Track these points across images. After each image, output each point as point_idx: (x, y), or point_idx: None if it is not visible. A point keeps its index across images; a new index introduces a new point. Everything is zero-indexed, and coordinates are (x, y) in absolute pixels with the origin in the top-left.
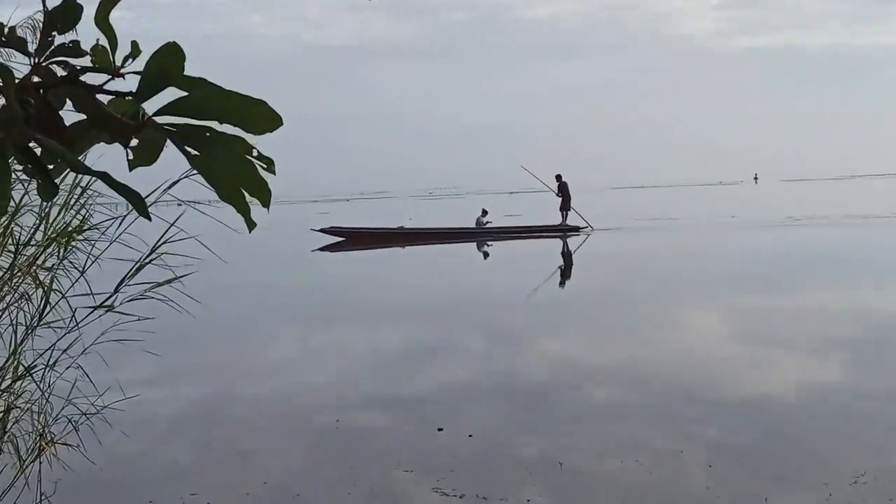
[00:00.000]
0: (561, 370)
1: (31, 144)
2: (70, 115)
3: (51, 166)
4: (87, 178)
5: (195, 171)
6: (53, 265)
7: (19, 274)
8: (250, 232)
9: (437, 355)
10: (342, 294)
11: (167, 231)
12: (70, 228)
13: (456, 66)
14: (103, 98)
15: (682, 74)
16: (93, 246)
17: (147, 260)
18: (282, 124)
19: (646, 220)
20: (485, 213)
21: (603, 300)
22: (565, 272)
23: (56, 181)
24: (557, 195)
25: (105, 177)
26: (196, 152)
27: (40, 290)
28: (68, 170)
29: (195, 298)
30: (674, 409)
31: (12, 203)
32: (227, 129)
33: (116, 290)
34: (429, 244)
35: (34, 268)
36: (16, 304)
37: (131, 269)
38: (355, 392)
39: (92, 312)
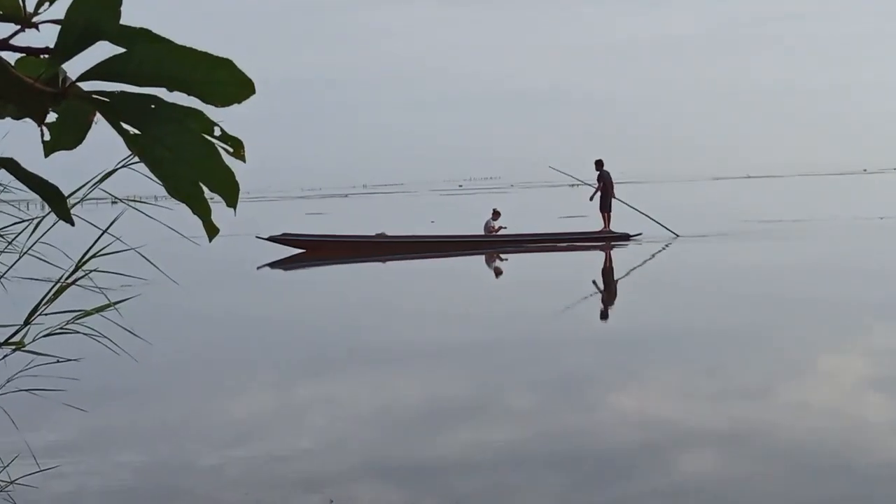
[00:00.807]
0: (637, 431)
1: None
2: None
3: None
4: None
5: (136, 158)
6: None
7: None
8: (211, 241)
9: (463, 410)
10: (323, 326)
11: (98, 240)
12: None
13: (494, 10)
14: (9, 57)
15: (803, 23)
16: None
17: (70, 279)
18: (254, 92)
19: (758, 222)
20: (496, 214)
21: (689, 336)
22: (621, 295)
23: None
24: (597, 188)
25: (11, 165)
26: (136, 131)
27: None
28: None
29: (135, 333)
30: (800, 487)
31: None
32: (180, 99)
33: (28, 322)
34: (419, 258)
35: None
36: None
37: (49, 293)
38: (355, 461)
39: None
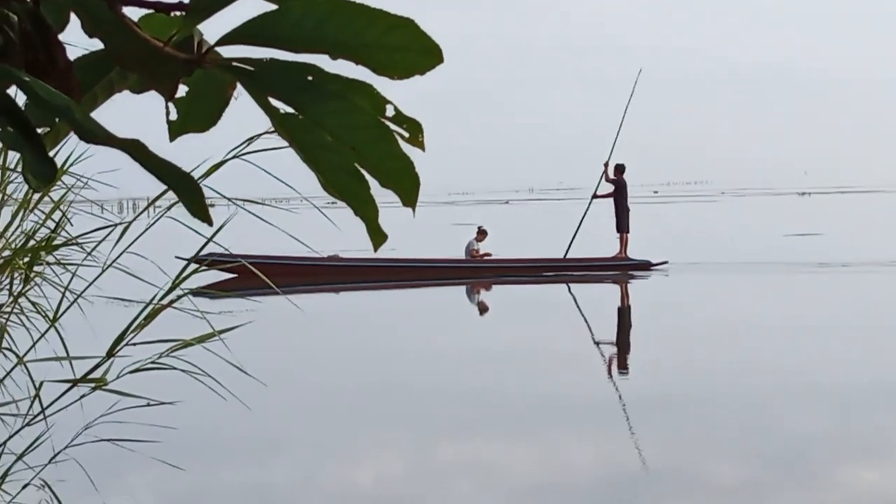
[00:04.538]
0: None
1: (10, 91)
2: (77, 42)
3: (43, 129)
4: (65, 154)
5: (251, 147)
6: (3, 306)
7: None
8: (376, 250)
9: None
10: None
11: (201, 250)
12: (34, 243)
13: None
14: (132, 13)
15: None
16: (73, 274)
17: (165, 301)
18: (441, 61)
19: None
20: (482, 235)
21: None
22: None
23: (51, 154)
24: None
25: (137, 149)
26: (289, 109)
27: None
28: (70, 135)
29: (246, 370)
30: None
31: None
32: (344, 69)
33: (111, 353)
34: (378, 288)
35: None
36: None
37: (137, 317)
38: None
39: (69, 391)
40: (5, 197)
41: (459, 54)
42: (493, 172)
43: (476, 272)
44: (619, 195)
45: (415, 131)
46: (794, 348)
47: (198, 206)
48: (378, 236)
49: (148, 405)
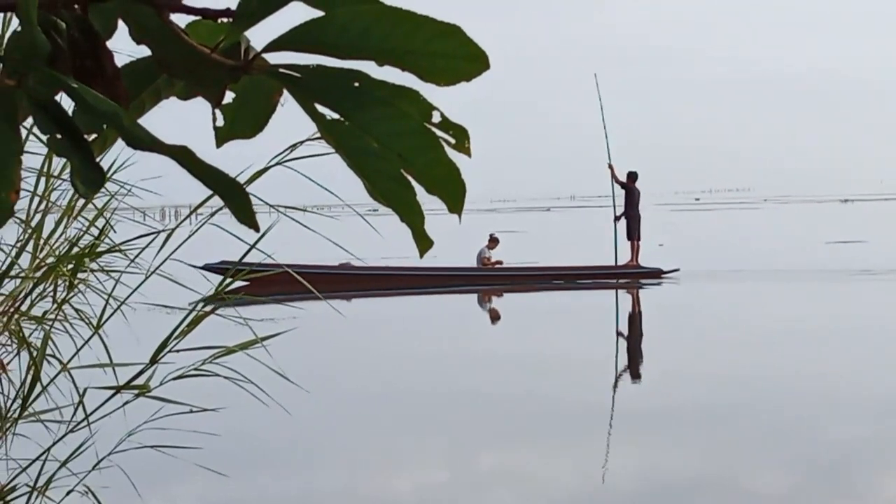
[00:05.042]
0: None
1: (58, 97)
2: (124, 49)
3: (91, 136)
4: (108, 161)
5: (296, 154)
6: (47, 313)
7: None
8: (422, 256)
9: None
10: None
11: (244, 257)
12: (78, 250)
13: None
14: (180, 20)
15: None
16: (116, 281)
17: (208, 308)
18: (487, 67)
19: None
20: (493, 242)
21: None
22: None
23: (99, 161)
24: (624, 212)
25: (184, 155)
26: (335, 115)
27: (24, 357)
28: (118, 141)
29: (288, 377)
30: None
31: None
32: (391, 75)
33: (155, 360)
34: (391, 295)
35: (14, 318)
36: None
37: (181, 324)
38: None
39: (112, 397)
40: (50, 204)
41: (507, 60)
42: (536, 179)
43: (487, 279)
44: (630, 203)
45: (461, 138)
46: (780, 355)
47: (245, 213)
48: (424, 243)
49: (191, 412)
